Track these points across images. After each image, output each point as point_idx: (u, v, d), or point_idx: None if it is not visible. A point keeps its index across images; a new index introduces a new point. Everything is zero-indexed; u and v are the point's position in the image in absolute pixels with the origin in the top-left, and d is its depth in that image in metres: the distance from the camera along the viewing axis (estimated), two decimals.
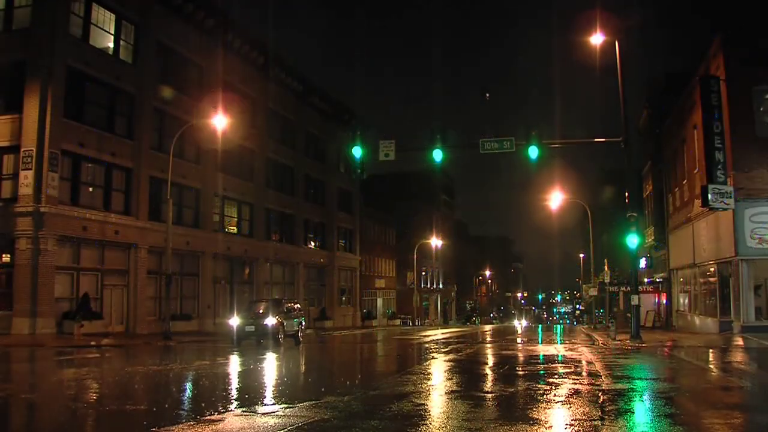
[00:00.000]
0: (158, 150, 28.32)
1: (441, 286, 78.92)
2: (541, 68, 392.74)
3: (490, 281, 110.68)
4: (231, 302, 34.72)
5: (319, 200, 46.02)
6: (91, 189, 25.84)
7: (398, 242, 65.41)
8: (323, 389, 9.76)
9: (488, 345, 22.90)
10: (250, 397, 9.16)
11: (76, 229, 24.16)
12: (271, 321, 20.97)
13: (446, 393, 9.43)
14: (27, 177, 22.81)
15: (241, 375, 12.85)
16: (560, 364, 14.21)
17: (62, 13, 23.99)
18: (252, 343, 21.15)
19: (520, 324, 79.09)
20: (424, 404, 8.33)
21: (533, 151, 21.94)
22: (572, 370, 12.64)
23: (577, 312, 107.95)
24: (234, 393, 9.88)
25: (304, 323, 24.48)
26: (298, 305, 25.23)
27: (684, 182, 28.98)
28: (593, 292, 42.61)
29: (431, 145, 22.69)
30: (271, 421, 7.02)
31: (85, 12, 25.25)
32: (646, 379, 11.57)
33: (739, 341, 19.53)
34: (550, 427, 6.73)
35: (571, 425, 6.75)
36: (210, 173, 32.55)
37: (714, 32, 23.63)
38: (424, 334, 32.92)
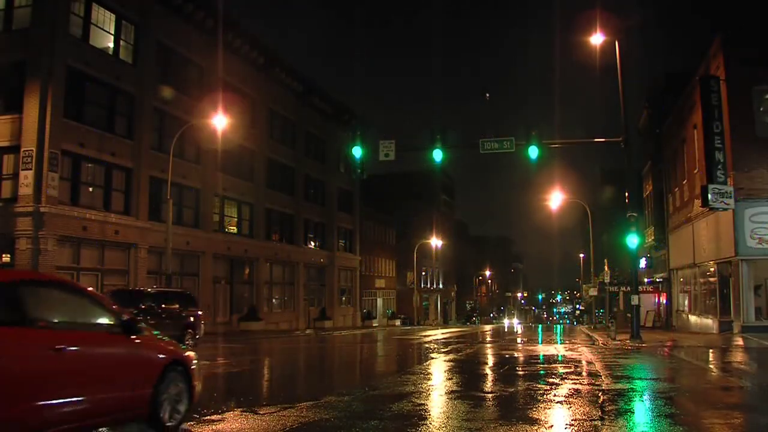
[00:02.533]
0: (158, 150, 28.31)
1: (441, 286, 78.93)
2: (541, 68, 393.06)
3: (490, 281, 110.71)
4: (231, 302, 34.76)
5: (319, 200, 46.02)
6: (91, 189, 25.83)
7: (398, 242, 65.41)
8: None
9: (488, 345, 22.90)
10: (250, 396, 9.15)
11: (76, 229, 24.15)
12: None
13: (446, 393, 9.43)
14: (27, 177, 22.79)
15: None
16: (560, 364, 14.21)
17: (62, 13, 23.97)
18: None
19: (511, 323, 77.26)
20: (424, 404, 8.33)
21: (533, 151, 21.96)
22: (572, 370, 12.63)
23: (577, 312, 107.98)
24: (234, 391, 9.86)
25: (200, 330, 17.29)
26: (179, 305, 17.31)
27: (684, 182, 28.98)
28: (593, 292, 42.63)
29: (431, 145, 22.70)
30: (271, 420, 7.02)
31: (85, 12, 25.23)
32: (646, 379, 11.57)
33: (739, 341, 19.53)
34: (551, 427, 6.73)
35: (571, 425, 6.75)
36: (210, 173, 32.55)
37: (714, 32, 23.63)
38: (424, 334, 32.92)
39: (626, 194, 23.96)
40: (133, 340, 6.03)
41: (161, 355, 6.35)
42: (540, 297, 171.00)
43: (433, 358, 16.49)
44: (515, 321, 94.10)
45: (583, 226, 62.81)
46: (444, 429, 6.62)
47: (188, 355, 6.82)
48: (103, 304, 6.13)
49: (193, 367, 6.78)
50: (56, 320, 5.45)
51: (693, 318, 28.99)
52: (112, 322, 5.95)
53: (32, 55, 23.40)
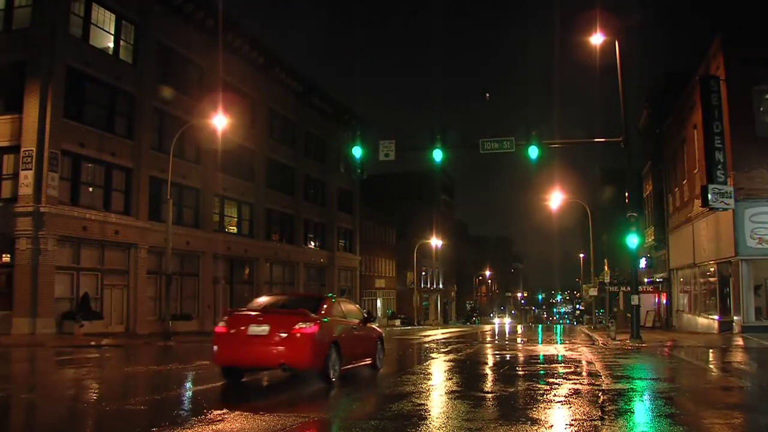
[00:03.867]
0: (158, 150, 28.32)
1: (441, 286, 78.91)
2: (541, 68, 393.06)
3: (490, 281, 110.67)
4: (231, 302, 34.73)
5: (319, 200, 46.02)
6: (91, 189, 25.84)
7: (398, 242, 65.40)
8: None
9: (488, 345, 22.90)
10: (249, 397, 9.15)
11: (76, 229, 24.15)
12: None
13: (446, 393, 9.43)
14: (27, 177, 22.81)
15: None
16: (560, 364, 14.21)
17: (62, 13, 23.99)
18: None
19: (501, 324, 69.76)
20: (424, 404, 8.32)
21: (533, 151, 21.94)
22: (572, 370, 12.63)
23: (577, 312, 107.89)
24: (232, 392, 9.86)
25: None
26: None
27: (684, 182, 28.98)
28: (593, 292, 42.59)
29: (431, 145, 22.69)
30: (271, 420, 7.02)
31: (85, 12, 25.25)
32: (646, 379, 11.56)
33: (739, 341, 19.53)
34: (551, 427, 6.72)
35: (571, 425, 6.74)
36: (210, 173, 32.55)
37: (714, 32, 23.63)
38: (423, 334, 32.91)
39: (626, 194, 23.95)
40: (368, 326, 12.18)
41: (376, 332, 12.73)
42: (540, 297, 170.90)
43: (433, 358, 16.47)
44: (507, 321, 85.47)
45: (583, 226, 62.79)
46: (444, 429, 6.62)
47: (381, 331, 13.20)
48: (358, 308, 12.47)
49: (383, 337, 13.07)
50: (348, 316, 11.33)
51: (693, 318, 28.98)
52: (361, 317, 11.87)
53: (32, 55, 23.41)
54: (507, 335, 32.09)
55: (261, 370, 11.10)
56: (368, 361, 11.82)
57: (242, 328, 9.95)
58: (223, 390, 9.84)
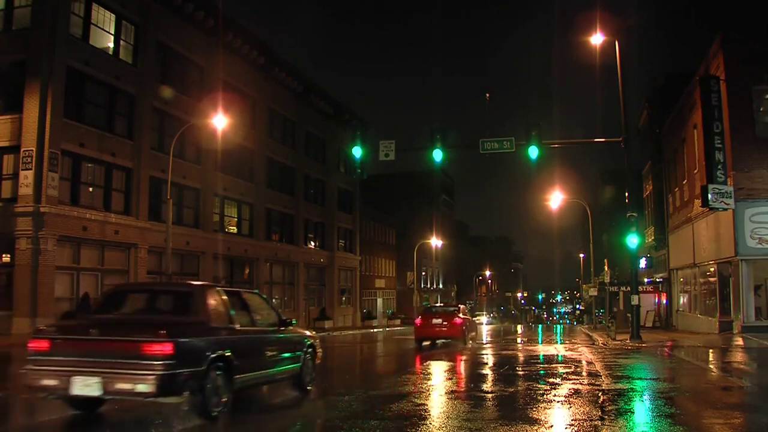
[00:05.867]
0: (158, 150, 28.31)
1: (441, 286, 78.91)
2: (542, 69, 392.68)
3: (490, 281, 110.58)
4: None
5: (319, 200, 46.01)
6: (91, 189, 25.82)
7: (398, 242, 65.39)
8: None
9: (488, 345, 22.89)
10: (250, 397, 9.15)
11: (76, 229, 24.14)
12: None
13: (446, 393, 9.43)
14: (27, 177, 22.79)
15: None
16: (560, 364, 14.22)
17: (62, 13, 23.94)
18: None
19: (480, 323, 56.01)
20: (424, 404, 8.33)
21: (533, 151, 21.93)
22: (572, 370, 12.64)
23: (578, 312, 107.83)
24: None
25: None
26: None
27: (684, 182, 28.98)
28: (593, 292, 42.59)
29: (431, 145, 22.69)
30: (271, 420, 7.02)
31: (85, 12, 25.22)
32: (646, 379, 11.57)
33: (739, 341, 19.53)
34: (551, 427, 6.73)
35: (572, 425, 6.75)
36: (210, 173, 32.53)
37: (714, 32, 23.64)
38: None
39: (626, 194, 23.96)
40: (473, 319, 27.76)
41: (476, 323, 28.29)
42: (540, 297, 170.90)
43: (433, 359, 16.48)
44: (484, 320, 66.72)
45: (583, 226, 62.83)
46: (444, 429, 6.62)
47: (476, 322, 31.40)
48: (467, 309, 26.89)
49: (477, 325, 28.72)
50: (466, 314, 23.33)
51: (693, 318, 28.98)
52: (470, 315, 26.39)
53: (32, 55, 23.39)
54: (507, 335, 32.01)
55: (436, 340, 20.92)
56: (473, 335, 22.71)
57: (429, 319, 20.80)
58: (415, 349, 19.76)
